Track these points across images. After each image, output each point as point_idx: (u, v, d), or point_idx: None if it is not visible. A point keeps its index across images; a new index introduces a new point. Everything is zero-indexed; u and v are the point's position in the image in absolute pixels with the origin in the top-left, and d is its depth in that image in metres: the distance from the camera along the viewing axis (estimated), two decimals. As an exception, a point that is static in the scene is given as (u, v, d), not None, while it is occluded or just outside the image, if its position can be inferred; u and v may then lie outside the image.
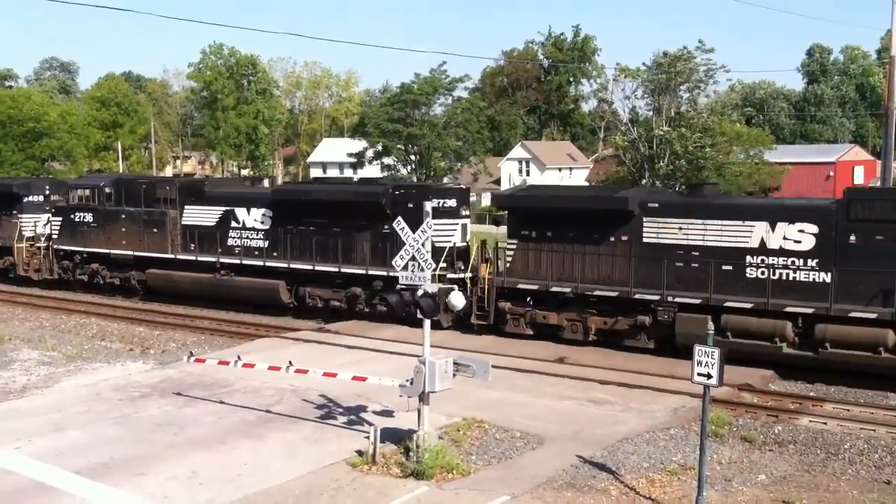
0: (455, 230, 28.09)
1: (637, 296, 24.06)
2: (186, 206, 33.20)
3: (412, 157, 77.95)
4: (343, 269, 29.18)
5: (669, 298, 23.43)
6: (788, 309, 21.79)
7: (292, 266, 30.26)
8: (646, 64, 58.33)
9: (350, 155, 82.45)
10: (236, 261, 31.51)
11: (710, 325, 13.61)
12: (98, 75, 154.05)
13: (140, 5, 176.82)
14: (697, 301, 22.92)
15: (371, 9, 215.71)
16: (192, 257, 32.48)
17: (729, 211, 23.64)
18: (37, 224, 37.87)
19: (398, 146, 76.99)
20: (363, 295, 29.04)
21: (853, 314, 20.87)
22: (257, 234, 31.45)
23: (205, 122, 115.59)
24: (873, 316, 20.60)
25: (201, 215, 32.88)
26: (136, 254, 34.07)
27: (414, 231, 15.53)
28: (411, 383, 15.10)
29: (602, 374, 21.25)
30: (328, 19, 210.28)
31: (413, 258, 15.52)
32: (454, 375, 15.27)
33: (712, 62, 55.78)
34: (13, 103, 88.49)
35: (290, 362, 17.79)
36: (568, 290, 25.17)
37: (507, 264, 26.50)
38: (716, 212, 23.66)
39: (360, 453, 15.28)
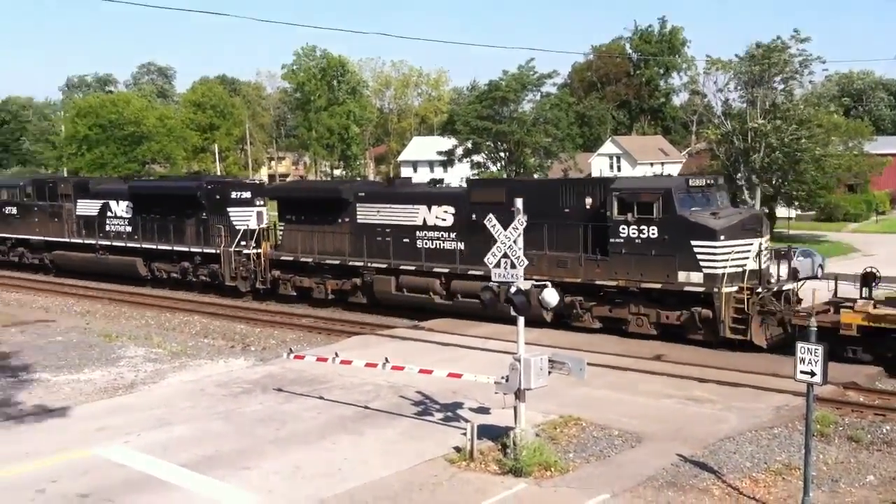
0: (251, 216, 35.52)
1: (350, 263, 31.30)
2: (79, 200, 41.47)
3: (501, 154, 77.88)
4: (175, 248, 37.02)
5: (370, 264, 30.66)
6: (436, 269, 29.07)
7: (144, 246, 38.27)
8: (738, 55, 57.20)
9: (440, 153, 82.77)
10: (109, 243, 39.64)
11: (814, 321, 13.33)
12: (194, 79, 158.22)
13: (233, 9, 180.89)
14: (385, 265, 30.24)
15: (460, 7, 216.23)
16: (81, 241, 40.85)
17: (404, 197, 30.67)
18: None
19: (487, 143, 76.99)
20: (191, 267, 36.67)
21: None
22: (123, 222, 39.39)
23: (298, 123, 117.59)
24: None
25: (88, 207, 41.10)
26: (46, 238, 42.81)
27: (505, 228, 15.57)
28: (507, 380, 15.14)
29: (701, 373, 20.92)
30: (417, 18, 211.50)
31: (505, 255, 15.55)
32: (550, 373, 15.26)
33: (807, 53, 54.47)
34: (114, 108, 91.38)
35: (386, 359, 18.04)
36: (310, 260, 32.60)
37: (279, 242, 34.54)
38: (398, 199, 30.77)
39: (457, 450, 15.38)
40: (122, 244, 39.02)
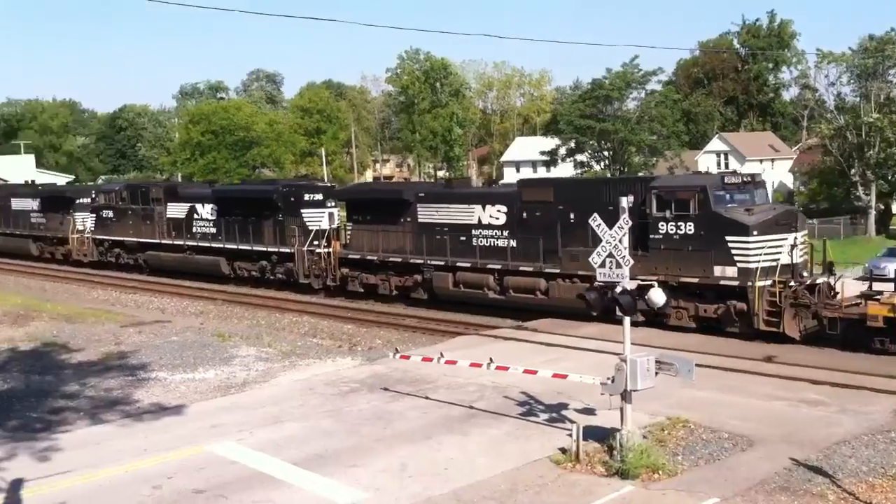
0: (323, 217, 37.46)
1: (412, 260, 32.72)
2: (169, 204, 43.71)
3: (605, 153, 77.13)
4: (254, 248, 39.02)
5: (429, 262, 31.99)
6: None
7: (227, 246, 40.23)
8: (851, 48, 55.42)
9: (542, 153, 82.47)
10: (195, 243, 41.73)
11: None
12: (301, 85, 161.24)
13: (339, 14, 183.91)
14: (442, 262, 31.68)
15: (562, 5, 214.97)
16: (171, 241, 43.08)
17: (461, 198, 32.21)
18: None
19: (591, 142, 76.36)
20: (268, 266, 38.59)
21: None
22: (208, 224, 41.50)
23: (402, 126, 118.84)
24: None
25: (177, 210, 43.32)
26: (139, 240, 45.25)
27: (610, 227, 15.45)
28: (613, 381, 15.01)
29: (813, 374, 20.33)
30: (519, 19, 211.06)
31: (610, 255, 15.43)
32: (656, 374, 15.06)
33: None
34: (226, 114, 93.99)
35: (490, 359, 18.09)
36: (375, 258, 34.08)
37: (348, 241, 36.13)
38: (455, 199, 32.26)
39: (563, 451, 15.32)
40: (207, 244, 41.33)
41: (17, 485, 14.54)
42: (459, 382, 20.60)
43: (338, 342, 27.81)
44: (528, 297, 29.38)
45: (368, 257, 34.46)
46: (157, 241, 44.01)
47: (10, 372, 23.43)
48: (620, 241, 15.37)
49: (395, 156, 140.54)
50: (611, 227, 24.12)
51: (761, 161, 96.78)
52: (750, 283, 23.83)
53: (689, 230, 25.23)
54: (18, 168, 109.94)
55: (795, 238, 24.81)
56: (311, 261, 36.69)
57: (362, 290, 35.22)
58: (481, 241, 30.78)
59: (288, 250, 37.44)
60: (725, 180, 25.97)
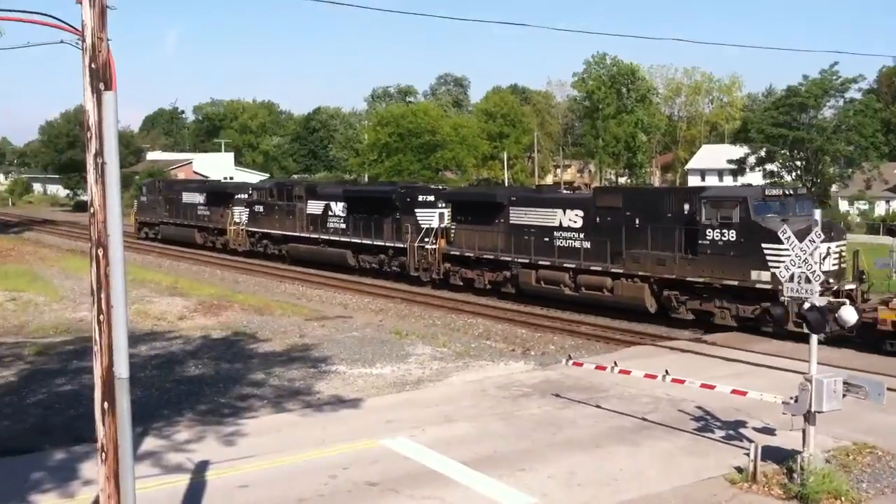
0: (434, 216, 40.92)
1: (502, 258, 36.20)
2: (309, 201, 48.64)
3: (797, 163, 74.00)
4: (375, 242, 43.27)
5: (516, 259, 35.41)
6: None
7: (353, 240, 44.70)
8: None
9: (730, 161, 79.97)
10: (328, 237, 46.58)
11: None
12: (487, 89, 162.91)
13: (526, 18, 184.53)
14: (527, 260, 34.96)
15: (757, 9, 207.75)
16: (309, 235, 48.02)
17: (547, 202, 35.13)
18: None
19: (782, 151, 73.45)
20: (386, 259, 42.94)
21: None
22: (339, 220, 46.17)
23: (585, 132, 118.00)
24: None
25: (315, 207, 48.11)
26: (283, 233, 50.34)
27: (800, 241, 14.82)
28: (795, 401, 14.38)
29: None
30: (710, 23, 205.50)
31: (800, 269, 14.79)
32: (844, 396, 14.33)
33: None
34: (413, 118, 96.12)
35: (666, 371, 17.71)
36: (472, 254, 37.70)
37: (452, 239, 39.40)
38: (542, 203, 35.29)
39: (738, 470, 14.81)
40: (337, 238, 46.02)
41: (202, 466, 15.39)
42: (632, 393, 20.28)
43: (511, 346, 27.94)
44: (597, 293, 32.42)
45: (467, 254, 38.13)
46: (298, 234, 49.17)
47: (202, 359, 24.80)
48: (812, 254, 14.69)
49: (577, 161, 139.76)
50: (666, 234, 29.32)
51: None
52: (779, 287, 22.83)
53: (732, 237, 27.83)
54: (219, 165, 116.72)
55: (829, 247, 26.50)
56: (421, 256, 40.61)
57: (461, 284, 38.87)
58: (560, 242, 33.96)
59: (402, 245, 41.62)
60: (766, 192, 28.90)
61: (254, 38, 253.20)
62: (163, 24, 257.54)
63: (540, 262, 34.49)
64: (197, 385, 21.69)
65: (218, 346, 26.55)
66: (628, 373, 18.72)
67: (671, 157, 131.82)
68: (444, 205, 41.28)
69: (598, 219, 32.38)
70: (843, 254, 27.98)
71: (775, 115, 73.05)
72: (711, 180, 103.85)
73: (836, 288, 25.74)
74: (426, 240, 40.34)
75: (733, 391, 16.56)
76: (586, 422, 18.20)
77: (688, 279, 29.09)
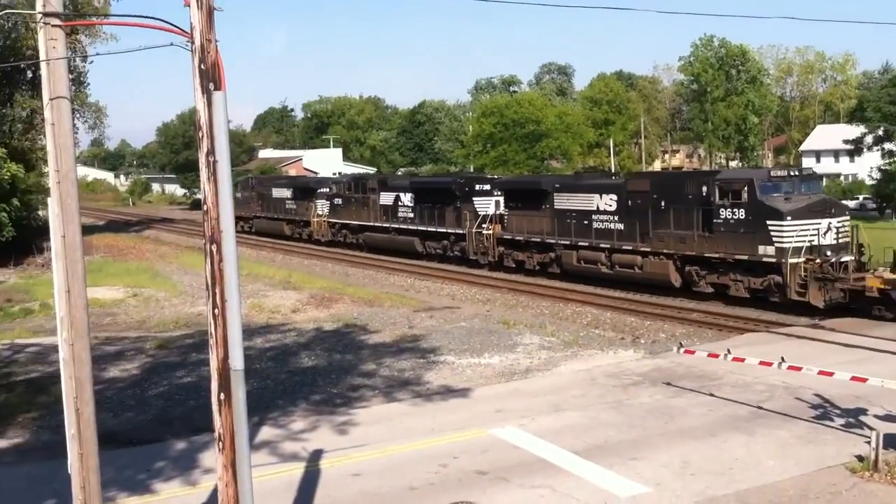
0: (490, 204, 43.80)
1: (547, 241, 39.23)
2: (381, 193, 52.30)
3: (919, 142, 70.95)
4: (438, 229, 46.78)
5: (559, 241, 38.44)
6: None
7: (420, 228, 48.35)
8: None
9: (846, 142, 77.27)
10: (398, 226, 50.27)
11: None
12: (591, 76, 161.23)
13: (631, 2, 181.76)
14: (568, 242, 37.99)
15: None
16: (381, 224, 51.91)
17: (586, 188, 37.99)
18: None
19: (903, 130, 70.52)
20: (448, 245, 46.31)
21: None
22: (408, 209, 49.59)
23: (693, 116, 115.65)
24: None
25: (387, 198, 51.68)
26: (359, 223, 54.36)
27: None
28: (920, 388, 13.85)
29: None
30: (822, 1, 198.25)
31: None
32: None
33: None
34: (517, 107, 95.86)
35: (782, 358, 17.23)
36: (522, 238, 41.00)
37: (505, 224, 42.43)
38: (582, 189, 38.14)
39: (859, 458, 14.33)
40: (406, 227, 49.66)
41: (316, 455, 15.74)
42: (746, 381, 19.83)
43: (620, 334, 27.63)
44: (629, 271, 35.08)
45: (517, 238, 41.33)
46: (372, 223, 53.05)
47: (315, 350, 25.34)
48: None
49: (686, 146, 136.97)
50: (686, 214, 32.44)
51: None
52: (784, 260, 28.56)
53: (741, 215, 30.28)
54: (327, 161, 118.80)
55: (830, 223, 29.03)
56: (479, 240, 43.82)
57: (514, 266, 41.86)
58: (597, 224, 36.66)
59: (461, 231, 45.01)
60: (771, 174, 31.49)
61: (359, 34, 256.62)
62: (272, 24, 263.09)
63: (579, 244, 37.37)
64: (310, 376, 22.18)
65: (330, 338, 27.08)
66: (742, 360, 18.30)
67: (784, 139, 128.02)
68: (498, 193, 44.06)
69: (629, 202, 35.10)
70: (845, 229, 29.66)
71: (893, 92, 70.21)
72: (827, 162, 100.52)
73: (833, 260, 28.12)
74: (483, 226, 43.54)
75: (853, 378, 16.00)
76: (699, 410, 17.89)
77: (705, 255, 31.61)
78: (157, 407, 19.84)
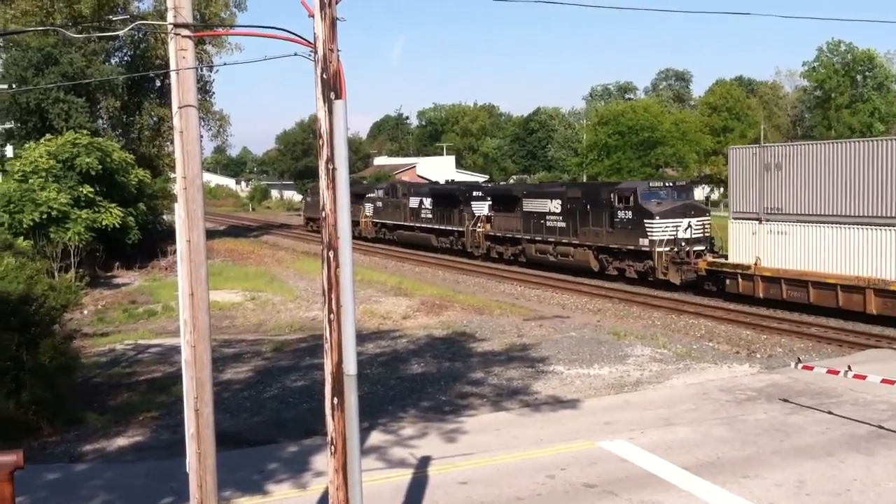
0: (483, 207, 53.77)
1: (517, 237, 49.20)
2: (410, 197, 62.98)
3: None
4: (447, 227, 57.70)
5: (525, 237, 48.37)
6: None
7: (434, 226, 58.92)
8: None
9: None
10: (421, 224, 61.03)
11: None
12: (709, 82, 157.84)
13: (751, 7, 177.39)
14: (529, 237, 48.10)
15: None
16: (409, 223, 62.78)
17: (543, 194, 48.05)
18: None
19: None
20: (454, 240, 56.98)
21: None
22: (428, 211, 60.19)
23: (816, 123, 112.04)
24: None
25: (414, 202, 62.22)
26: (394, 222, 65.30)
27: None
28: None
29: None
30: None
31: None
32: None
33: None
34: (633, 114, 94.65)
35: (906, 377, 16.61)
36: (500, 234, 50.86)
37: (492, 223, 52.30)
38: (541, 195, 48.15)
39: None
40: (426, 225, 60.23)
41: (424, 462, 15.88)
42: (867, 399, 19.13)
43: (735, 347, 27.00)
44: (567, 259, 44.77)
45: (498, 234, 51.33)
46: (402, 223, 63.80)
47: (425, 357, 25.57)
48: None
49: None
50: (600, 215, 42.41)
51: None
52: (654, 249, 38.43)
53: (629, 216, 39.99)
54: (441, 168, 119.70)
55: (689, 222, 38.64)
56: (473, 236, 54.08)
57: (497, 257, 51.51)
58: (549, 223, 46.18)
59: (461, 229, 55.53)
60: (650, 184, 41.35)
61: (474, 42, 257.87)
62: (389, 34, 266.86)
63: (536, 238, 47.33)
64: (420, 382, 22.40)
65: (439, 345, 27.29)
66: (864, 377, 17.67)
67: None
68: (489, 198, 53.78)
69: (568, 206, 44.71)
70: (705, 226, 39.19)
71: None
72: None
73: (686, 249, 37.69)
74: (477, 225, 53.93)
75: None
76: (816, 428, 17.35)
77: (610, 246, 41.57)
78: (271, 409, 20.36)
